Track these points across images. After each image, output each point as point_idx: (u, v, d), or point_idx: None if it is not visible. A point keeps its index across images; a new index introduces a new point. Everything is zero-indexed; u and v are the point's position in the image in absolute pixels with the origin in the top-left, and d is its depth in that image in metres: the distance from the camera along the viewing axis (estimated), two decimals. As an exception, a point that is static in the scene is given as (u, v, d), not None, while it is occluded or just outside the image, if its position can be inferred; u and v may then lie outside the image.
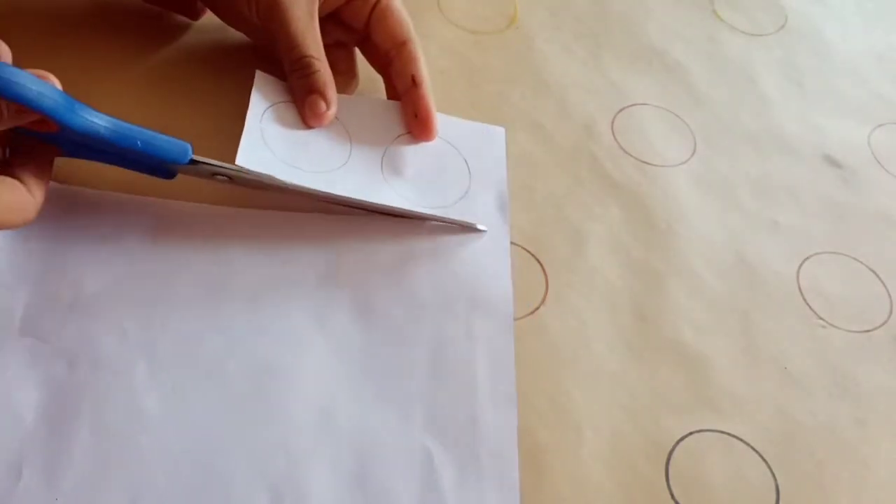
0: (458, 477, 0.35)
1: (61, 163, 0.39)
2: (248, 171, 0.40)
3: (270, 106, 0.44)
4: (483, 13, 0.57)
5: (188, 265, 0.40)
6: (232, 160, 0.40)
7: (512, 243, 0.44)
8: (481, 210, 0.44)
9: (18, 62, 0.35)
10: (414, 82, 0.45)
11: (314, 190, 0.41)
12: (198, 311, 0.39)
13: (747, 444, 0.39)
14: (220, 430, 0.35)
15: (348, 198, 0.41)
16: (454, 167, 0.46)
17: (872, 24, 0.62)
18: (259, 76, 0.45)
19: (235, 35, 0.50)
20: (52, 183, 0.40)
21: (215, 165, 0.39)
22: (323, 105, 0.43)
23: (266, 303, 0.39)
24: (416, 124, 0.46)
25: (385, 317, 0.40)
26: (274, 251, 0.41)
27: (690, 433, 0.39)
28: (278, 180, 0.40)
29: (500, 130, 0.49)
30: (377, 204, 0.42)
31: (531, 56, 0.55)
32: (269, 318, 0.39)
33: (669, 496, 0.37)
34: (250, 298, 0.39)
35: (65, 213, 0.41)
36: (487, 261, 0.43)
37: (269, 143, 0.42)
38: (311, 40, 0.44)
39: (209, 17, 0.50)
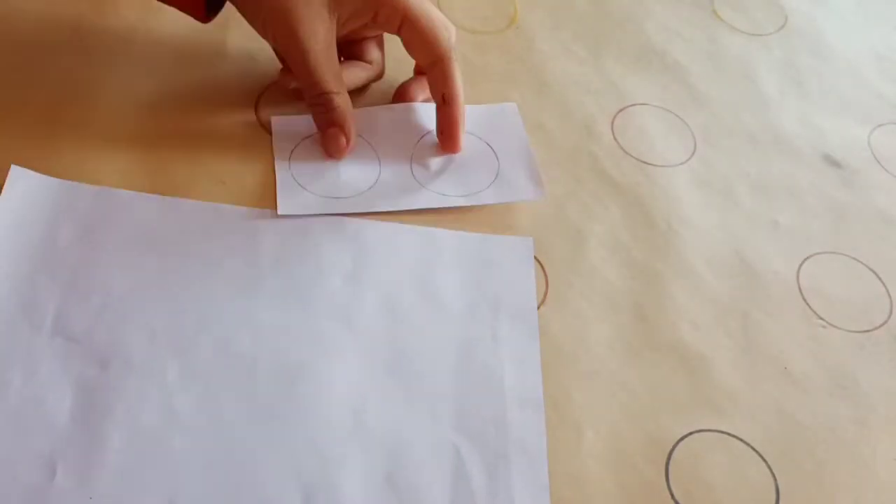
0: (487, 476, 0.36)
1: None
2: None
3: (294, 147, 0.45)
4: (483, 13, 0.57)
5: (217, 266, 0.40)
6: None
7: (512, 243, 0.44)
8: (516, 187, 0.45)
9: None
10: (444, 100, 0.45)
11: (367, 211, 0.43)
12: (227, 312, 0.39)
13: (747, 444, 0.39)
14: (252, 430, 0.36)
15: (394, 211, 0.44)
16: (480, 153, 0.47)
17: (872, 24, 0.62)
18: (275, 121, 0.46)
19: (238, 40, 0.50)
20: (83, 184, 0.42)
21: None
22: (343, 139, 0.45)
23: (294, 304, 0.40)
24: (443, 139, 0.46)
25: (411, 317, 0.40)
26: (301, 253, 0.41)
27: (690, 433, 0.39)
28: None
29: (513, 106, 0.50)
30: (420, 210, 0.44)
31: (531, 56, 0.55)
32: (298, 319, 0.39)
33: (669, 496, 0.37)
34: (279, 299, 0.40)
35: (96, 215, 0.41)
36: (511, 264, 0.43)
37: (302, 184, 0.44)
38: (331, 75, 0.44)
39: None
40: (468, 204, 0.44)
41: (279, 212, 0.42)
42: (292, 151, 0.45)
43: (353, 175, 0.45)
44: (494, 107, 0.50)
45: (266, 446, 0.35)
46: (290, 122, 0.47)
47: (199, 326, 0.38)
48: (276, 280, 0.40)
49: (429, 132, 0.47)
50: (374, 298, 0.40)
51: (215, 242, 0.41)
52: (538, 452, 0.36)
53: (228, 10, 0.49)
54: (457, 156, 0.47)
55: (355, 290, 0.41)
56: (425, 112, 0.48)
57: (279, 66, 0.48)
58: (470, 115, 0.48)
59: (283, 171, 0.44)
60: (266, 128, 0.47)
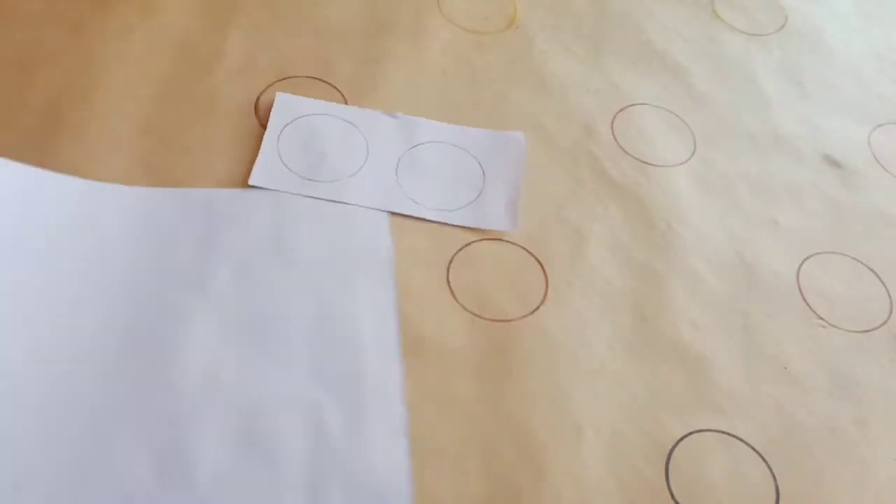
0: (345, 425, 0.36)
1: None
2: None
3: (289, 123, 0.46)
4: (483, 13, 0.57)
5: (60, 246, 0.39)
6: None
7: (511, 243, 0.44)
8: (489, 211, 0.45)
9: None
10: None
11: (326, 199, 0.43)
12: (72, 290, 0.38)
13: (747, 444, 0.39)
14: (97, 404, 0.35)
15: (354, 206, 0.44)
16: (469, 171, 0.47)
17: (872, 24, 0.62)
18: (280, 97, 0.47)
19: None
20: None
21: None
22: None
23: (143, 276, 0.39)
24: None
25: (265, 278, 0.40)
26: (147, 225, 0.41)
27: (690, 433, 0.39)
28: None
29: (519, 136, 0.49)
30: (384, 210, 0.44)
31: (531, 56, 0.55)
32: (146, 291, 0.39)
33: (669, 496, 0.37)
34: (128, 274, 0.39)
35: None
36: (365, 223, 0.43)
37: (285, 160, 0.44)
38: None
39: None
40: (436, 219, 0.44)
41: (250, 182, 0.43)
42: (285, 127, 0.46)
43: (337, 160, 0.45)
44: (500, 133, 0.49)
45: (113, 419, 0.35)
46: (294, 101, 0.47)
47: (38, 307, 0.37)
48: (124, 255, 0.40)
49: (426, 142, 0.47)
50: (227, 263, 0.40)
51: (55, 221, 0.40)
52: (395, 398, 0.37)
53: (228, 9, 0.49)
54: (445, 169, 0.46)
55: (207, 256, 0.40)
56: (428, 125, 0.48)
57: (279, 66, 0.48)
58: (472, 136, 0.48)
59: (269, 144, 0.45)
60: (266, 127, 0.47)
